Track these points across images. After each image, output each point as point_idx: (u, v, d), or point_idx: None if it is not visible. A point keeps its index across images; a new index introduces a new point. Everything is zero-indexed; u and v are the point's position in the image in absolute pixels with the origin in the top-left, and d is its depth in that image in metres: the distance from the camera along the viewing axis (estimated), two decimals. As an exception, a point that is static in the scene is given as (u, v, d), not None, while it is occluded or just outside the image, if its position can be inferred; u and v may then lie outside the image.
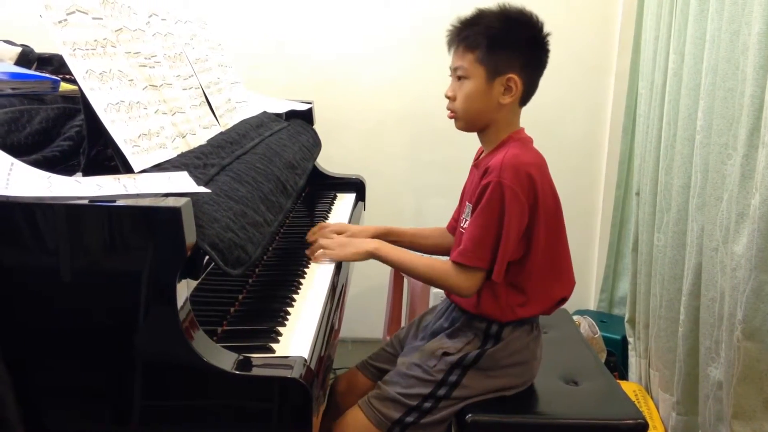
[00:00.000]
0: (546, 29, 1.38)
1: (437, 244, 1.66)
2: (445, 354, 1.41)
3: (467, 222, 1.38)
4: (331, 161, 2.23)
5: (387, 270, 2.46)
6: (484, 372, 1.41)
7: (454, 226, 1.61)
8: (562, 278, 1.45)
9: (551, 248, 1.40)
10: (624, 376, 2.51)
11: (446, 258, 1.42)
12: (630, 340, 2.52)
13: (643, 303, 2.34)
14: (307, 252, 1.50)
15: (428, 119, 2.61)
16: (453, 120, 1.43)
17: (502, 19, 1.36)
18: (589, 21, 2.60)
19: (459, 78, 1.39)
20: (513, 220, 1.29)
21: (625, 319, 2.56)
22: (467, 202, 1.42)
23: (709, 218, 1.77)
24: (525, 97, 1.40)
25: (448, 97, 1.42)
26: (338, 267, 1.48)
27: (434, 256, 1.51)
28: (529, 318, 1.43)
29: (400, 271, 2.13)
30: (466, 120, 1.41)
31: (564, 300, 1.46)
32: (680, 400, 2.00)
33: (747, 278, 1.55)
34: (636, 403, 1.98)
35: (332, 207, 1.98)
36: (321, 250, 1.48)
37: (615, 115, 2.65)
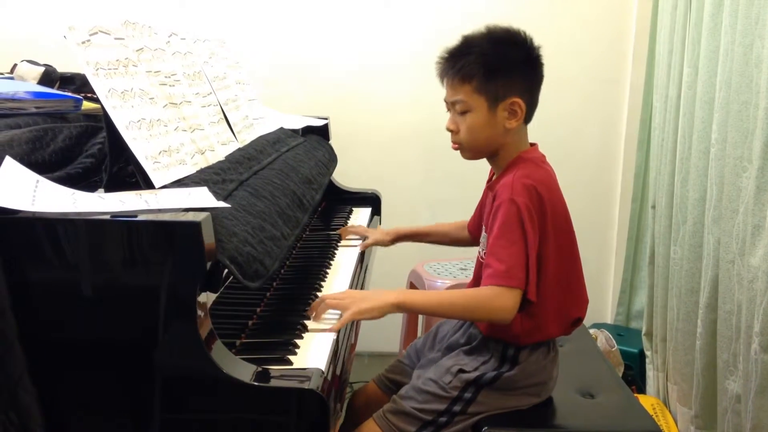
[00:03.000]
0: (537, 43, 1.35)
1: (455, 239, 1.71)
2: (461, 371, 1.40)
3: (485, 246, 1.36)
4: (347, 176, 2.25)
5: (403, 283, 2.47)
6: (500, 391, 1.39)
7: (474, 223, 1.63)
8: (576, 299, 1.42)
9: (564, 268, 1.36)
10: (642, 389, 2.49)
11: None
12: (647, 353, 2.50)
13: (660, 316, 2.33)
14: (311, 313, 1.27)
15: (443, 133, 2.60)
16: (459, 151, 1.42)
17: (492, 43, 1.33)
18: (603, 35, 2.60)
19: (459, 112, 1.37)
20: (530, 235, 1.27)
21: (643, 333, 2.55)
22: (483, 229, 1.42)
23: (725, 231, 1.76)
24: (529, 116, 1.38)
25: (450, 130, 1.41)
26: (355, 279, 1.49)
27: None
28: (546, 340, 1.42)
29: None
30: (473, 150, 1.40)
31: (579, 320, 1.43)
32: (699, 413, 1.99)
33: (764, 291, 1.54)
34: (654, 416, 1.97)
35: (348, 221, 2.00)
36: (329, 308, 1.28)
37: (630, 129, 2.65)
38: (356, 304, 1.25)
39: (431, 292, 1.41)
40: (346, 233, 1.83)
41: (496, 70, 1.31)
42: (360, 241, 1.78)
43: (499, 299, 1.26)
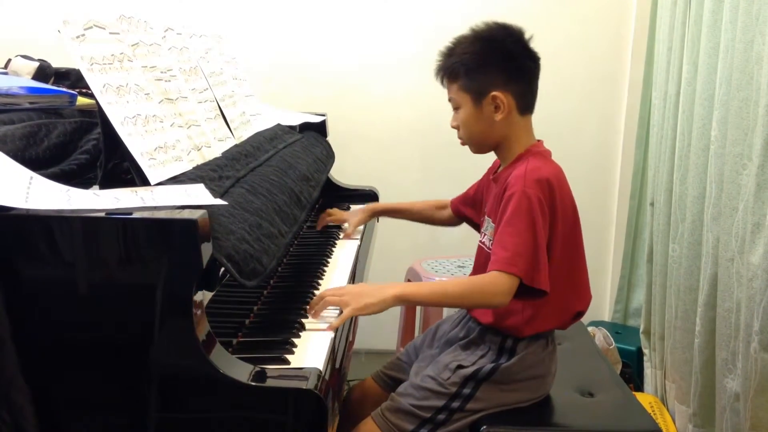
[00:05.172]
0: (527, 34, 1.38)
1: (430, 217, 1.82)
2: (459, 366, 1.40)
3: (487, 236, 1.37)
4: (344, 173, 2.24)
5: (400, 280, 2.46)
6: (498, 386, 1.39)
7: (461, 199, 1.71)
8: (579, 292, 1.43)
9: (568, 261, 1.38)
10: (639, 387, 2.49)
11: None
12: (645, 351, 2.50)
13: (659, 314, 2.32)
14: (309, 311, 1.26)
15: (442, 131, 2.58)
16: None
17: (473, 42, 1.38)
18: (602, 32, 2.59)
19: (454, 108, 1.43)
20: (540, 227, 1.29)
21: (641, 331, 2.55)
22: (487, 217, 1.42)
23: (725, 228, 1.76)
24: (524, 106, 1.40)
25: (454, 127, 1.46)
26: (352, 277, 1.48)
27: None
28: (544, 332, 1.42)
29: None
30: (474, 144, 1.45)
31: (580, 314, 1.44)
32: (697, 412, 1.98)
33: (763, 289, 1.54)
34: (652, 415, 1.96)
35: (346, 218, 1.99)
36: (328, 306, 1.26)
37: (628, 126, 2.64)
38: (356, 299, 1.23)
39: (429, 283, 1.43)
40: (324, 222, 1.86)
41: (473, 68, 1.37)
42: (357, 238, 1.81)
43: (496, 283, 1.26)
